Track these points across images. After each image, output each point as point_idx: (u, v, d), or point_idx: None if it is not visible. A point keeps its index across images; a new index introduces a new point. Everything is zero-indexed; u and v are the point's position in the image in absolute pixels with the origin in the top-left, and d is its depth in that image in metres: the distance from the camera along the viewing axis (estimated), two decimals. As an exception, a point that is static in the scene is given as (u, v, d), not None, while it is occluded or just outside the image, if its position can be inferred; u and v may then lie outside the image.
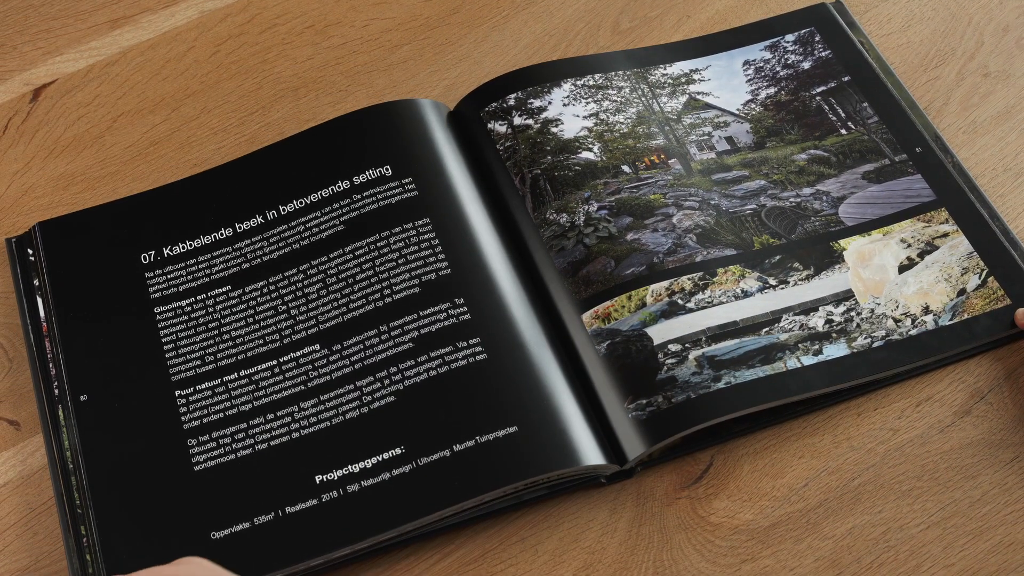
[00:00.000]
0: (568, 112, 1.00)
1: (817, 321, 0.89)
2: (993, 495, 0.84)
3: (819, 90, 1.02)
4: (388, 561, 0.83)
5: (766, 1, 1.08)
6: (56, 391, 0.89)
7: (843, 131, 1.00)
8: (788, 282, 0.91)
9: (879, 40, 1.05)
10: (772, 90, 1.02)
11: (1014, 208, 0.96)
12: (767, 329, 0.88)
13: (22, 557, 0.84)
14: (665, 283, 0.90)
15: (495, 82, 1.01)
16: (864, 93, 1.01)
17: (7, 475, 0.87)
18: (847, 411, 0.88)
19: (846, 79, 1.02)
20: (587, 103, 1.00)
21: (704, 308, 0.89)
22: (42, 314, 0.92)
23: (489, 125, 0.99)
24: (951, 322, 0.89)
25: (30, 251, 0.95)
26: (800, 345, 0.87)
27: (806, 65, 1.03)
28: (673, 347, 0.87)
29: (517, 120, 0.99)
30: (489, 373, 0.86)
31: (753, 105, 1.02)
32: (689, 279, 0.91)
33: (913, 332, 0.89)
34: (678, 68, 1.03)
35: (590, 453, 0.83)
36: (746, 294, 0.90)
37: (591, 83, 1.01)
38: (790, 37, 1.05)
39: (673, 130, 1.00)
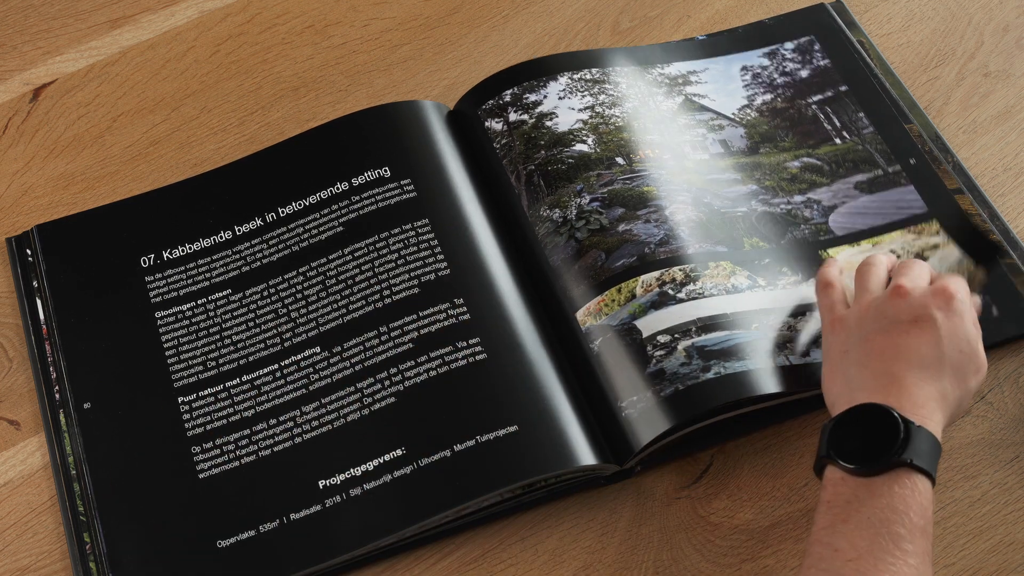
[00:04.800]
0: (563, 105, 1.00)
1: (804, 324, 0.88)
2: (993, 495, 0.84)
3: (816, 99, 1.02)
4: (388, 561, 0.83)
5: (766, 1, 1.08)
6: (57, 396, 0.89)
7: (837, 140, 0.99)
8: (777, 285, 0.91)
9: (879, 40, 1.05)
10: (768, 96, 1.02)
11: (1014, 208, 0.96)
12: (756, 325, 0.88)
13: (22, 557, 0.84)
14: (656, 273, 0.90)
15: (492, 79, 1.01)
16: (861, 102, 1.01)
17: (7, 475, 0.88)
18: (847, 411, 0.88)
19: (843, 88, 1.02)
20: (583, 96, 1.00)
21: (695, 299, 0.89)
22: (42, 316, 0.92)
23: (486, 123, 0.99)
24: None
25: (28, 252, 0.95)
26: (788, 345, 0.87)
27: (804, 73, 1.03)
28: (662, 338, 0.87)
29: (512, 116, 0.99)
30: (489, 373, 0.86)
31: (749, 110, 1.02)
32: (680, 269, 0.90)
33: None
34: (675, 69, 1.03)
35: (590, 453, 0.83)
36: (736, 289, 0.90)
37: (588, 77, 1.01)
38: (789, 45, 1.05)
39: (668, 129, 0.99)
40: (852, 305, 0.82)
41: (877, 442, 0.73)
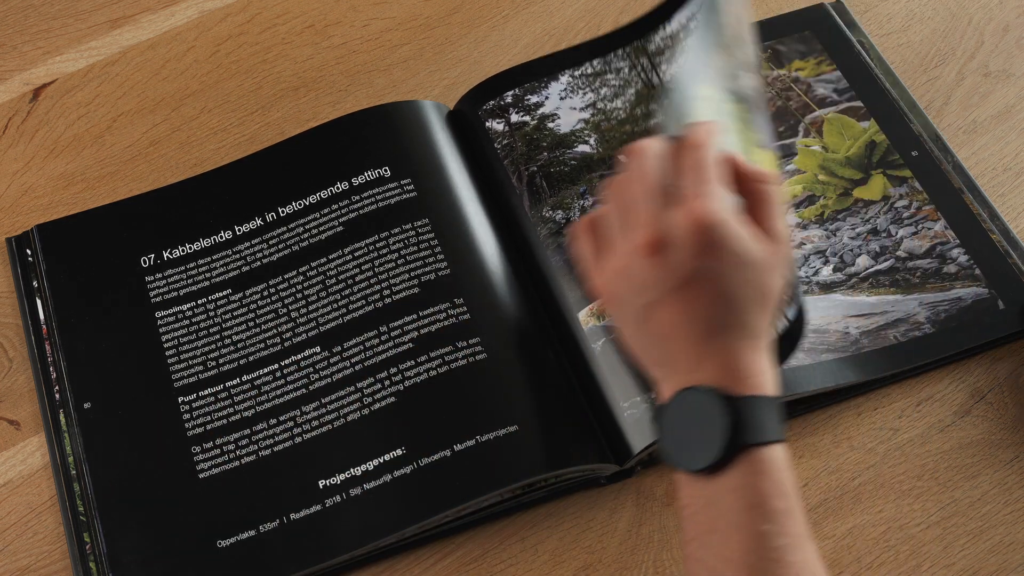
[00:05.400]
0: (565, 105, 0.99)
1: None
2: (993, 495, 0.84)
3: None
4: (388, 561, 0.83)
5: (766, 1, 1.08)
6: (57, 396, 0.89)
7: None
8: None
9: (879, 40, 1.05)
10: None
11: (1014, 208, 0.96)
12: None
13: (22, 557, 0.84)
14: None
15: (493, 79, 1.01)
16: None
17: (7, 475, 0.88)
18: (847, 411, 0.88)
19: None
20: (584, 93, 1.00)
21: None
22: (42, 316, 0.92)
23: (487, 124, 0.99)
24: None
25: (28, 252, 0.95)
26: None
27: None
28: None
29: (514, 117, 0.99)
30: (489, 373, 0.86)
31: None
32: None
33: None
34: (677, 23, 1.01)
35: (590, 453, 0.83)
36: None
37: (588, 71, 1.01)
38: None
39: (672, 101, 0.97)
40: (600, 267, 0.70)
41: (710, 429, 0.64)
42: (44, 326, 0.92)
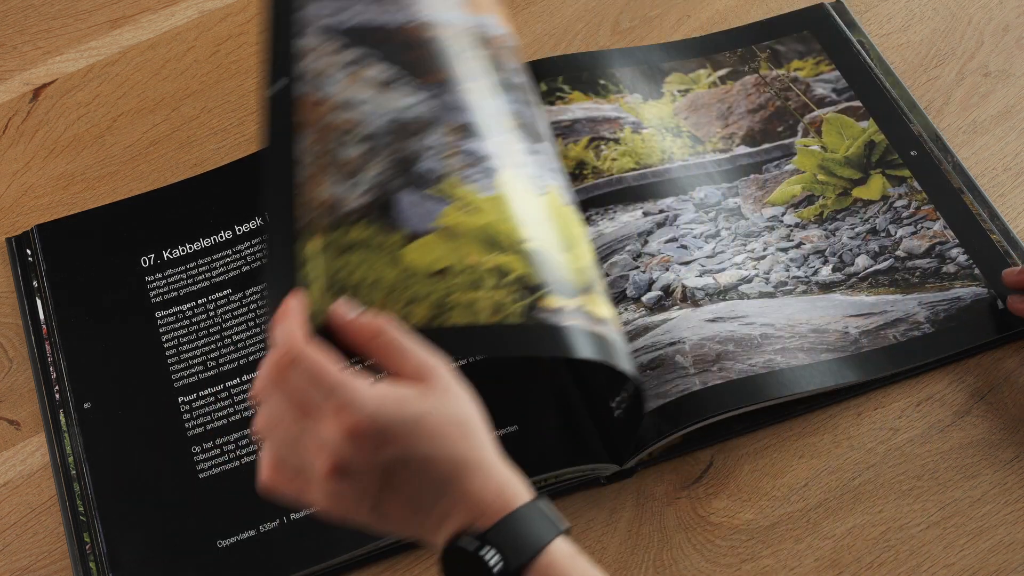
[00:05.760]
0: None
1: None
2: (993, 495, 0.84)
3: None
4: (388, 561, 0.83)
5: (766, 1, 1.08)
6: (57, 396, 0.89)
7: None
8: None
9: (879, 40, 1.05)
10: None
11: (1014, 208, 0.96)
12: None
13: (22, 557, 0.84)
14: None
15: None
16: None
17: (7, 475, 0.88)
18: (847, 411, 0.88)
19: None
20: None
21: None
22: (42, 316, 0.92)
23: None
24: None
25: (28, 252, 0.95)
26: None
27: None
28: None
29: None
30: (489, 371, 0.86)
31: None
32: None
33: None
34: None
35: (590, 453, 0.83)
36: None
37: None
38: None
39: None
40: (312, 501, 0.66)
41: (484, 572, 0.63)
42: (44, 326, 0.92)
